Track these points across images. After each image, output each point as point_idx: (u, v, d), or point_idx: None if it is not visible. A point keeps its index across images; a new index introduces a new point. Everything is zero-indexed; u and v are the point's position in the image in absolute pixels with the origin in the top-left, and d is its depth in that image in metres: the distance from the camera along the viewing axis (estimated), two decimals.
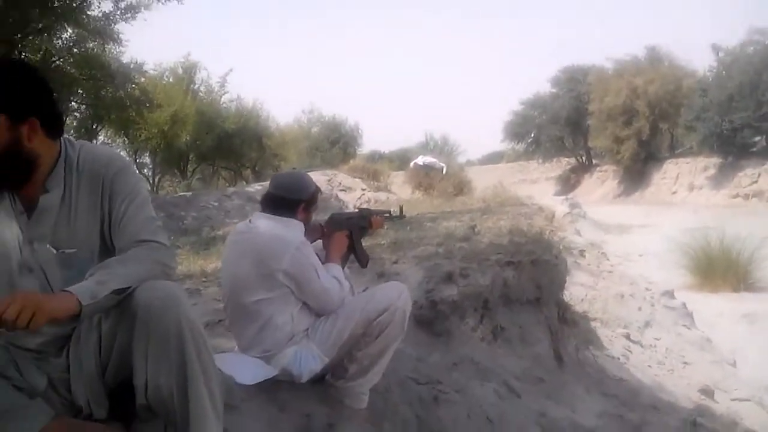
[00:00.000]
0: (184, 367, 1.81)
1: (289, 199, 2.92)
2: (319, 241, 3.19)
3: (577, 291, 7.48)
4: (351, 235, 3.24)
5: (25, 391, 1.86)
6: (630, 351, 6.59)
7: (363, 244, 3.37)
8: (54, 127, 1.95)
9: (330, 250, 3.11)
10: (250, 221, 2.97)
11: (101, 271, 1.83)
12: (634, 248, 12.77)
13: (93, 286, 1.76)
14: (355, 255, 3.29)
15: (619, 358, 6.21)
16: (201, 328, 1.90)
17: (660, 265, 11.11)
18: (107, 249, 2.01)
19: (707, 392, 6.19)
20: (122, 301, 1.83)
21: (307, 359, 2.81)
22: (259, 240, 2.84)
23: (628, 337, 6.90)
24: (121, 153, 26.03)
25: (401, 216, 3.70)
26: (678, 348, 7.29)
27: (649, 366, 6.50)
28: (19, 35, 13.56)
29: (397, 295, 2.82)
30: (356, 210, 3.52)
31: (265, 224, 2.89)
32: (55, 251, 1.95)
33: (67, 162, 1.99)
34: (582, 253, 9.41)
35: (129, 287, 1.82)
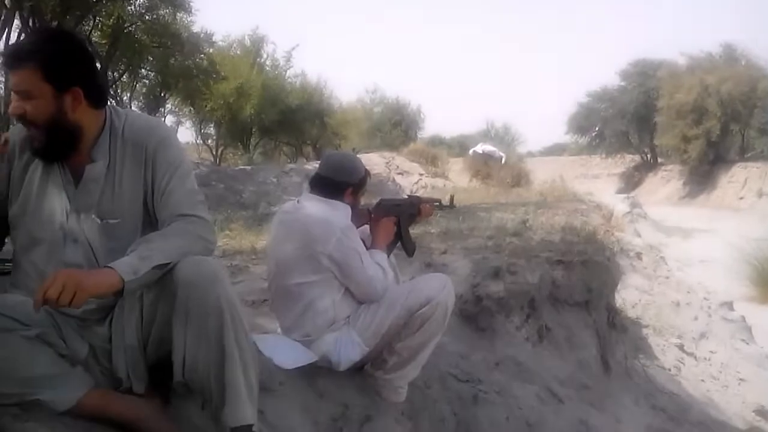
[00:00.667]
0: (221, 346, 1.82)
1: (337, 182, 2.89)
2: (366, 227, 3.14)
3: (631, 295, 7.27)
4: (399, 222, 3.18)
5: (67, 359, 1.89)
6: (682, 363, 6.37)
7: (411, 232, 3.32)
8: (98, 97, 1.97)
9: (376, 237, 3.07)
10: (297, 201, 2.95)
11: (143, 245, 1.84)
12: (694, 254, 12.39)
13: (135, 262, 1.77)
14: (402, 243, 3.24)
15: (670, 370, 6.01)
16: (240, 307, 1.90)
17: (721, 274, 10.72)
18: (150, 219, 2.03)
19: (763, 413, 5.96)
20: (163, 276, 1.83)
21: (347, 347, 2.79)
22: (305, 222, 2.82)
23: (681, 347, 6.67)
24: (187, 122, 26.72)
25: (451, 206, 3.64)
26: (734, 363, 7.01)
27: (702, 380, 6.28)
28: (93, 0, 13.87)
29: (440, 288, 2.77)
30: (406, 197, 3.46)
31: (313, 206, 2.86)
32: (99, 221, 1.97)
33: (112, 131, 2.01)
34: (639, 255, 9.13)
35: (170, 262, 1.83)
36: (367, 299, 2.84)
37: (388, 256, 3.12)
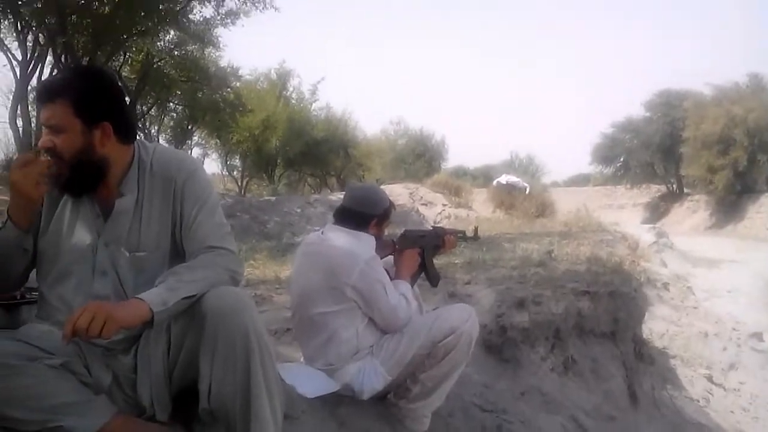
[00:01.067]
0: (248, 375, 1.83)
1: (362, 213, 2.92)
2: (390, 257, 3.15)
3: (658, 326, 7.19)
4: (423, 253, 3.18)
5: (90, 387, 1.90)
6: (711, 394, 6.26)
7: (435, 262, 3.31)
8: (126, 132, 2.01)
9: (400, 267, 3.07)
10: (322, 232, 2.97)
11: (171, 277, 1.86)
12: (722, 284, 12.14)
13: (164, 293, 1.80)
14: (426, 274, 3.23)
15: (698, 401, 5.91)
16: (266, 336, 1.91)
17: (749, 304, 10.51)
18: (178, 252, 2.05)
19: None
20: (192, 307, 1.85)
21: (370, 377, 2.78)
22: (329, 253, 2.84)
23: (710, 378, 6.57)
24: (213, 154, 27.03)
25: (475, 237, 3.64)
26: (765, 394, 6.87)
27: (732, 412, 6.16)
28: (124, 36, 14.20)
29: (464, 319, 2.75)
30: (430, 227, 3.46)
31: (337, 237, 2.88)
32: (128, 254, 2.00)
33: (141, 165, 2.05)
34: (666, 285, 9.04)
35: (198, 294, 1.85)
36: (391, 329, 2.84)
37: (412, 287, 3.10)
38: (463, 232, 3.55)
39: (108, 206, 2.01)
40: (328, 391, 2.75)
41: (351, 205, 2.94)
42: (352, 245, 2.83)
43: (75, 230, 2.00)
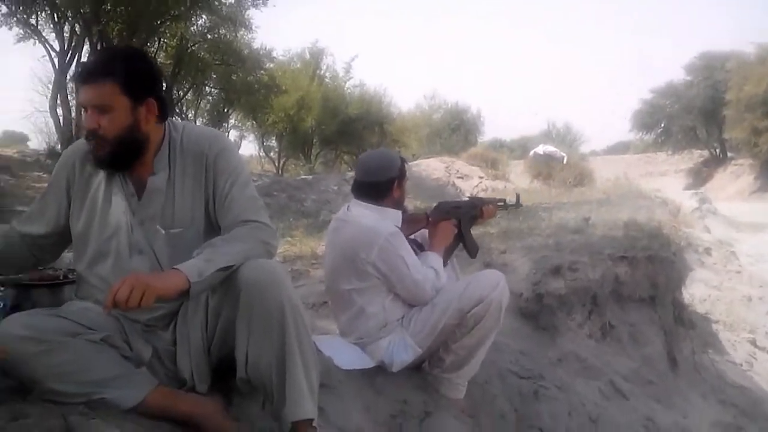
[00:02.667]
0: (283, 344, 1.87)
1: (379, 182, 2.89)
2: (425, 231, 3.14)
3: (700, 290, 7.08)
4: (460, 224, 3.15)
5: (131, 361, 1.97)
6: (755, 357, 6.16)
7: (473, 233, 3.27)
8: (165, 109, 2.06)
9: (434, 240, 3.06)
10: (348, 208, 2.98)
11: (208, 249, 1.90)
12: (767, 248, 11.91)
13: (200, 264, 1.83)
14: (464, 244, 3.20)
15: (741, 365, 5.82)
16: (301, 307, 1.95)
17: None
18: (212, 227, 2.08)
19: None
20: (228, 278, 1.89)
21: (399, 350, 2.81)
22: (351, 230, 2.86)
23: (753, 342, 6.45)
24: (250, 136, 27.23)
25: (518, 204, 3.55)
26: None
27: None
28: (158, 22, 14.35)
29: (492, 286, 2.72)
30: (467, 198, 3.40)
31: (360, 212, 2.89)
32: (163, 231, 2.04)
33: (172, 143, 2.09)
34: (708, 251, 8.88)
35: (234, 265, 1.88)
36: (418, 302, 2.85)
37: (449, 258, 3.11)
38: (504, 200, 3.48)
39: (141, 185, 2.05)
40: (363, 367, 2.81)
41: (366, 177, 2.91)
42: (373, 221, 2.82)
43: (110, 210, 2.04)
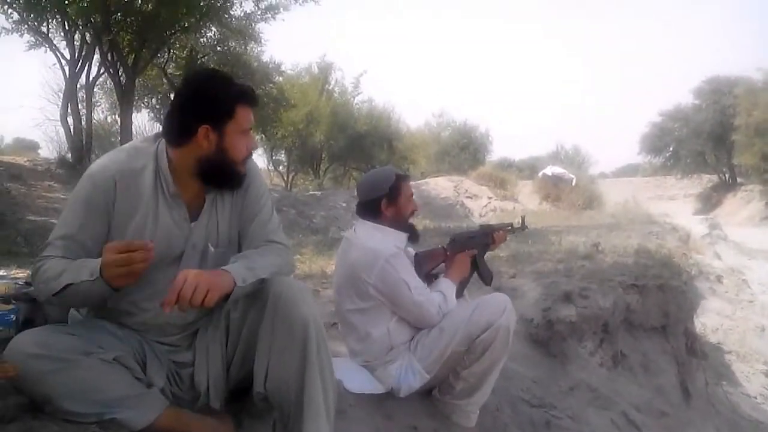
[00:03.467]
0: (304, 362, 1.87)
1: (369, 201, 2.91)
2: (443, 265, 3.12)
3: (712, 320, 7.01)
4: (476, 255, 3.15)
5: (143, 381, 1.93)
6: None
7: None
8: None
9: (451, 273, 3.03)
10: (355, 228, 2.97)
11: (244, 260, 1.95)
12: None
13: (243, 272, 1.88)
14: (479, 273, 3.20)
15: (756, 398, 5.74)
16: (323, 328, 1.96)
17: None
18: (240, 247, 2.13)
19: None
20: (254, 291, 1.92)
21: (407, 375, 2.78)
22: (355, 250, 2.85)
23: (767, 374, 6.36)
24: (259, 149, 27.35)
25: (523, 227, 3.58)
26: None
27: None
28: (168, 33, 14.41)
29: (499, 312, 2.68)
30: (478, 227, 3.40)
31: (364, 232, 2.89)
32: (213, 250, 2.06)
33: None
34: (719, 278, 8.80)
35: (267, 278, 1.93)
36: (423, 325, 2.82)
37: (465, 289, 3.10)
38: (511, 225, 3.48)
39: (192, 207, 2.06)
40: (372, 391, 2.78)
41: (360, 196, 2.97)
42: (375, 242, 2.81)
43: (162, 238, 1.98)
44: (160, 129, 2.09)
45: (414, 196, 3.08)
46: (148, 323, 2.03)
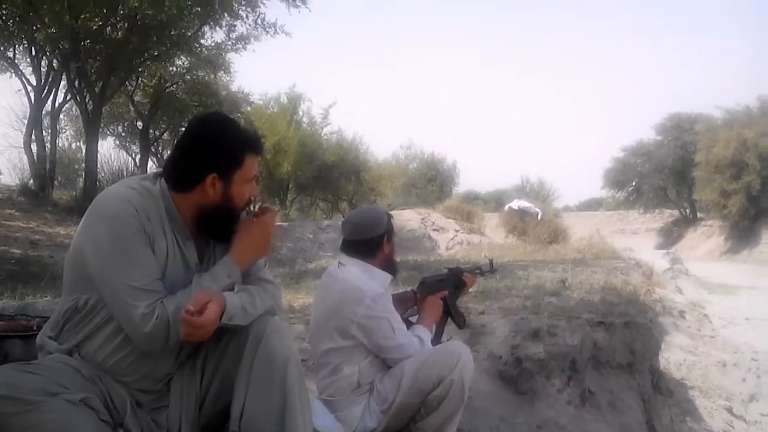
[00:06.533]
0: (284, 399, 1.88)
1: (368, 240, 2.88)
2: (413, 309, 3.11)
3: (675, 355, 7.07)
4: (446, 297, 3.13)
5: (108, 424, 1.87)
6: (732, 426, 6.14)
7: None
8: None
9: (423, 315, 3.02)
10: (339, 264, 2.93)
11: (246, 296, 1.96)
12: (739, 311, 12.01)
13: (239, 313, 1.90)
14: (452, 317, 3.19)
15: None
16: (302, 367, 1.99)
17: None
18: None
19: None
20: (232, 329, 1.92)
21: (365, 417, 2.75)
22: (339, 288, 2.82)
23: (730, 410, 6.44)
24: None
25: (492, 270, 3.59)
26: None
27: None
28: (137, 61, 14.36)
29: (450, 366, 2.64)
30: (446, 270, 3.33)
31: (350, 271, 2.85)
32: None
33: None
34: (682, 314, 8.91)
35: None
36: None
37: (442, 333, 3.09)
38: (479, 268, 3.49)
39: (199, 251, 2.05)
40: None
41: (354, 236, 2.90)
42: (362, 281, 2.79)
43: (174, 280, 1.95)
44: (155, 169, 2.07)
45: None
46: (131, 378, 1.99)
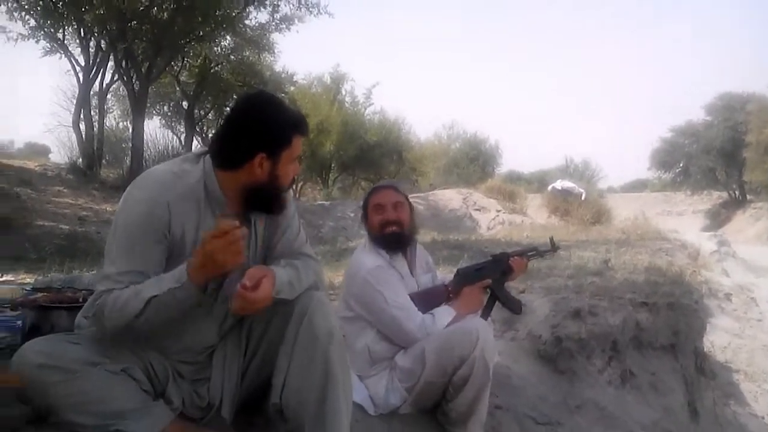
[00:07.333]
0: (327, 372, 1.91)
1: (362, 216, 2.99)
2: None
3: (720, 338, 6.93)
4: (493, 285, 3.02)
5: (149, 393, 1.95)
6: None
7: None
8: None
9: (457, 305, 2.91)
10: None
11: (292, 271, 2.02)
12: None
13: (286, 288, 1.95)
14: (503, 304, 3.07)
15: (764, 418, 5.67)
16: (344, 342, 2.03)
17: None
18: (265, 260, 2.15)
19: None
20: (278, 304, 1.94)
21: (388, 393, 2.77)
22: (351, 262, 2.95)
23: None
24: None
25: (554, 249, 3.45)
26: None
27: None
28: (183, 41, 14.52)
29: (471, 346, 2.60)
30: (490, 257, 3.20)
31: (359, 246, 3.00)
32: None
33: None
34: (728, 296, 8.72)
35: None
36: (402, 341, 2.78)
37: (486, 319, 3.00)
38: (536, 249, 3.36)
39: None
40: (360, 402, 2.72)
41: None
42: (362, 255, 2.88)
43: None
44: (199, 147, 2.10)
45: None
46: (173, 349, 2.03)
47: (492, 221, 15.89)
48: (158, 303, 1.78)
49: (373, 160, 24.62)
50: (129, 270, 1.84)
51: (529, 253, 3.27)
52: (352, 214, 13.93)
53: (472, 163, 32.63)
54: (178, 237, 1.91)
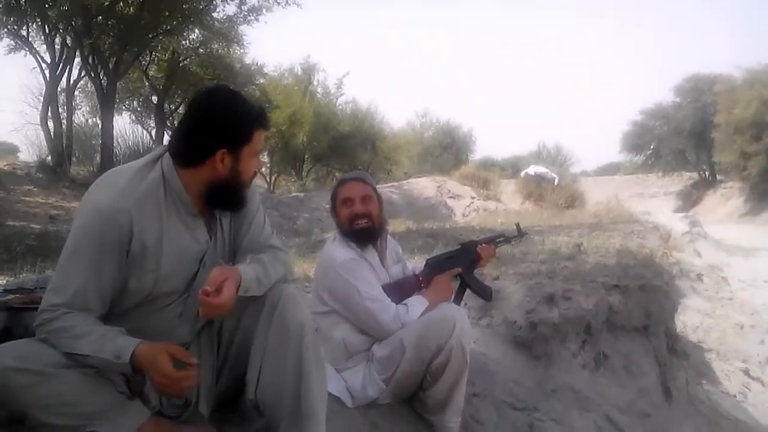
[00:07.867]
0: (300, 366, 1.90)
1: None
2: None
3: (692, 318, 7.06)
4: (462, 273, 3.05)
5: (124, 394, 1.92)
6: (748, 389, 6.13)
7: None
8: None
9: (428, 295, 2.91)
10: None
11: (258, 267, 1.98)
12: (759, 274, 11.88)
13: (254, 285, 1.93)
14: (474, 291, 3.10)
15: (735, 396, 5.79)
16: (316, 334, 2.02)
17: None
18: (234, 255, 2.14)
19: None
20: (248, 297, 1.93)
21: (365, 385, 2.77)
22: (322, 254, 2.94)
23: (747, 372, 6.42)
24: None
25: (521, 235, 3.45)
26: None
27: None
28: (150, 35, 14.34)
29: (447, 334, 2.62)
30: (458, 246, 3.20)
31: (330, 239, 2.97)
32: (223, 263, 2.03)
33: None
34: (700, 276, 8.87)
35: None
36: (377, 334, 2.78)
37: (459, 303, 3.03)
38: (502, 235, 3.38)
39: (209, 227, 2.07)
40: (336, 394, 2.71)
41: None
42: (334, 247, 2.86)
43: (178, 259, 1.98)
44: (158, 147, 2.07)
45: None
46: None
47: (467, 208, 15.95)
48: (90, 360, 1.79)
49: (347, 150, 24.56)
50: (82, 288, 1.83)
51: (497, 240, 3.29)
52: (326, 206, 13.68)
53: (446, 150, 32.73)
54: (140, 245, 1.88)
